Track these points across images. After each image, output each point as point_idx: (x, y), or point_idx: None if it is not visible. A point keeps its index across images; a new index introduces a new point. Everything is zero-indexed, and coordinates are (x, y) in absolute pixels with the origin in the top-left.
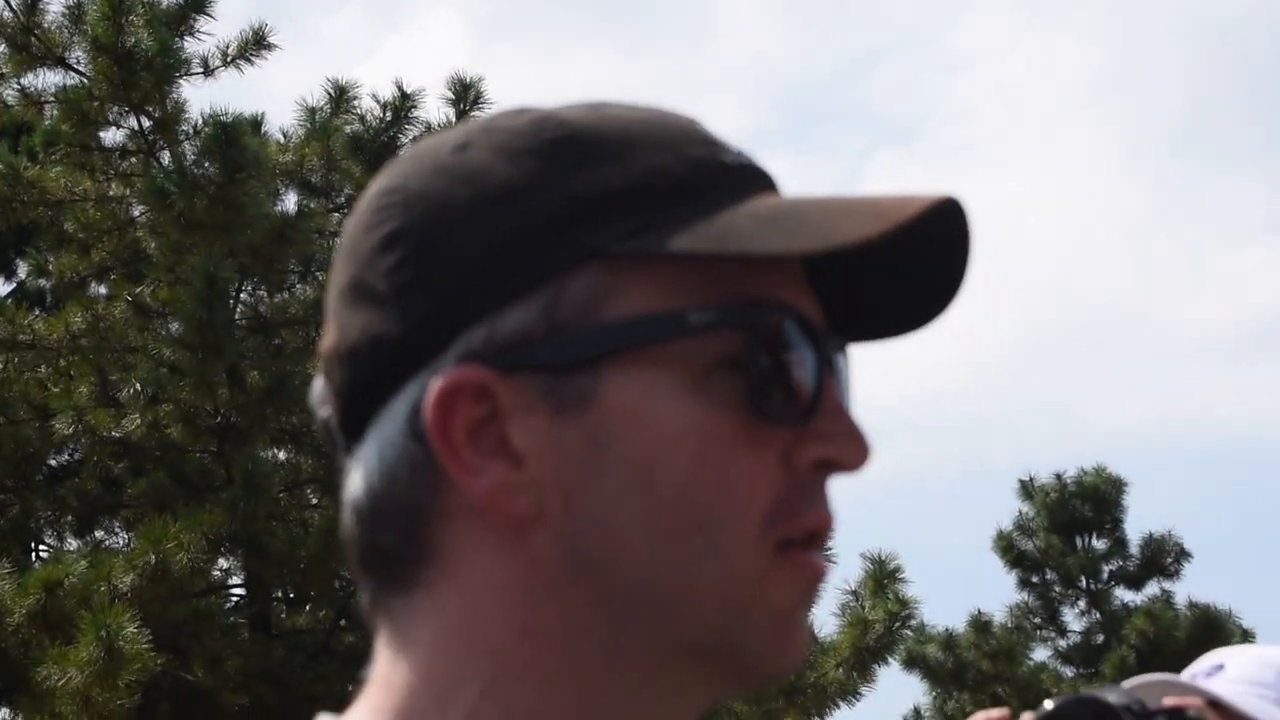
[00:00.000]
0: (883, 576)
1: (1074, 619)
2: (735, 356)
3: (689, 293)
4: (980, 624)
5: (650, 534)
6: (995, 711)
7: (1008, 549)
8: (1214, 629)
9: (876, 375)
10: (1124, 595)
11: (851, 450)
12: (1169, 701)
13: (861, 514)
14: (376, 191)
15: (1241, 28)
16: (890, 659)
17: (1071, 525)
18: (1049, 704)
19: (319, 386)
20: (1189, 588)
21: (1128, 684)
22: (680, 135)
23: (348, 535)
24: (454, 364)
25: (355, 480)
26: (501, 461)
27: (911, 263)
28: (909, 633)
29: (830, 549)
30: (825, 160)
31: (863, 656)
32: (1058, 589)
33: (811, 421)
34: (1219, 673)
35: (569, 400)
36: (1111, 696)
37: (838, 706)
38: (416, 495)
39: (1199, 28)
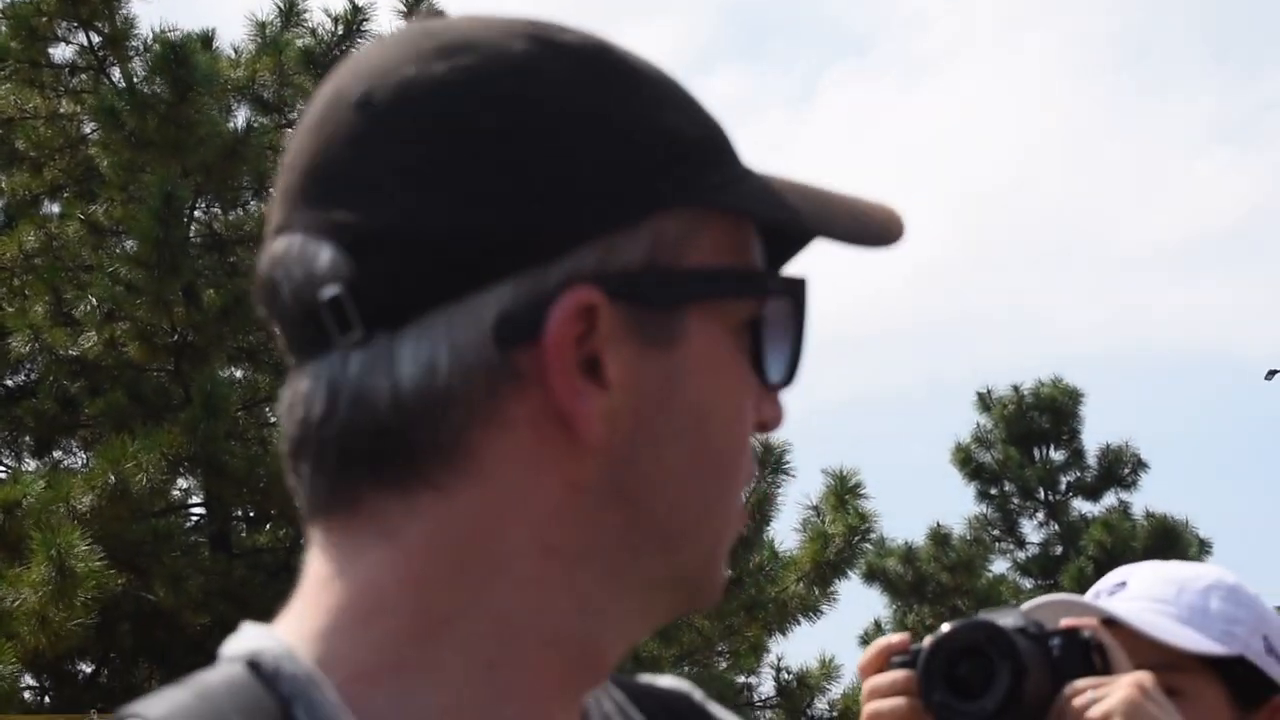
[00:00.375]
0: (843, 492)
1: (1032, 530)
2: (753, 319)
3: (735, 252)
4: (939, 537)
5: (689, 474)
6: (895, 636)
7: (966, 461)
8: (1171, 539)
9: (827, 285)
10: (1082, 506)
11: (778, 416)
12: (1065, 623)
13: (822, 429)
14: (456, 74)
15: None
16: (850, 573)
17: (1029, 437)
18: (945, 627)
19: (322, 258)
20: (1146, 498)
21: (1028, 605)
22: (686, 94)
23: (347, 414)
24: (566, 281)
25: (392, 366)
26: (598, 390)
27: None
28: (869, 546)
29: (770, 478)
30: (779, 75)
31: (823, 570)
32: (1016, 501)
33: (780, 385)
34: (1121, 590)
35: (659, 338)
36: (1006, 620)
37: (798, 622)
38: (475, 398)
39: None
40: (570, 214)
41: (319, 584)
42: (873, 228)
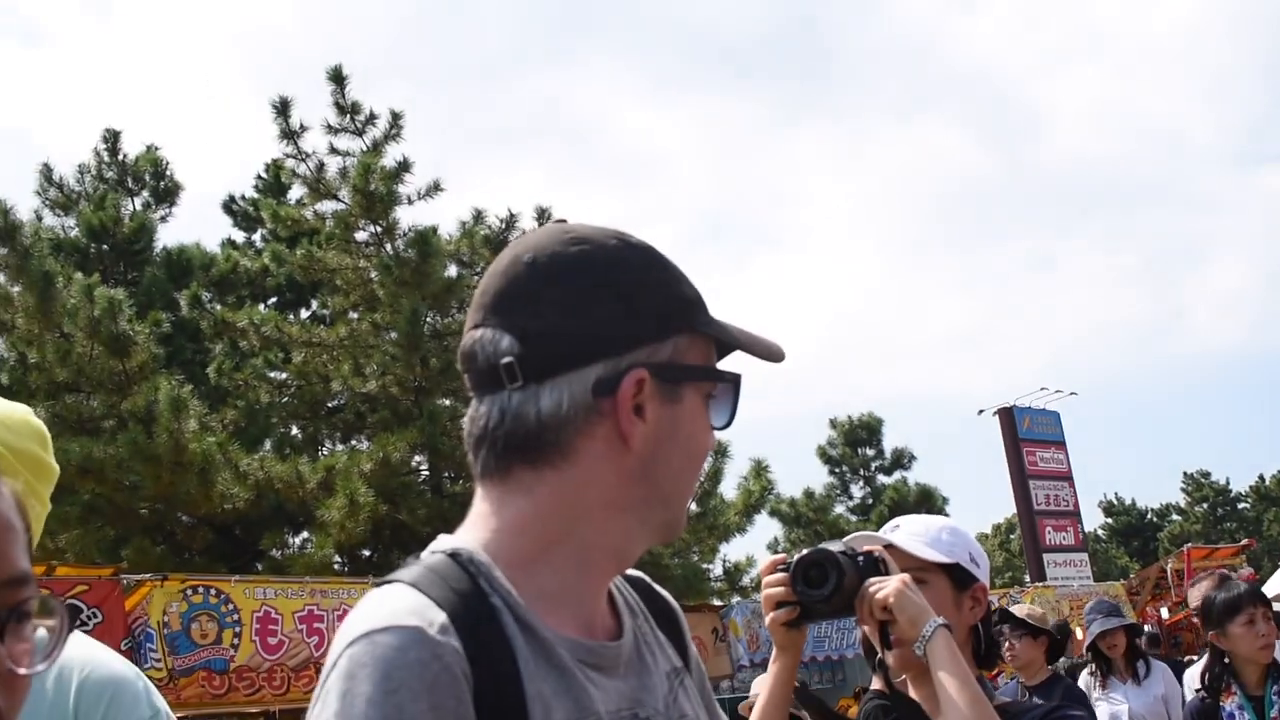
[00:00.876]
0: (760, 470)
1: (857, 491)
2: (712, 392)
3: (707, 357)
4: (809, 493)
5: (679, 469)
6: (778, 556)
7: (823, 454)
8: (928, 497)
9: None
10: (882, 479)
11: (715, 442)
12: (865, 547)
13: (747, 436)
14: (573, 250)
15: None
16: (762, 511)
17: (856, 442)
18: (804, 551)
19: (504, 341)
20: (915, 475)
21: (848, 538)
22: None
23: (510, 425)
24: (630, 366)
25: (543, 400)
26: (642, 423)
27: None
28: (772, 498)
29: (722, 461)
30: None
31: (748, 510)
32: (848, 475)
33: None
34: (897, 530)
35: (672, 398)
36: (834, 547)
37: (735, 536)
38: (577, 419)
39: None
40: (636, 332)
41: (482, 517)
42: (773, 350)
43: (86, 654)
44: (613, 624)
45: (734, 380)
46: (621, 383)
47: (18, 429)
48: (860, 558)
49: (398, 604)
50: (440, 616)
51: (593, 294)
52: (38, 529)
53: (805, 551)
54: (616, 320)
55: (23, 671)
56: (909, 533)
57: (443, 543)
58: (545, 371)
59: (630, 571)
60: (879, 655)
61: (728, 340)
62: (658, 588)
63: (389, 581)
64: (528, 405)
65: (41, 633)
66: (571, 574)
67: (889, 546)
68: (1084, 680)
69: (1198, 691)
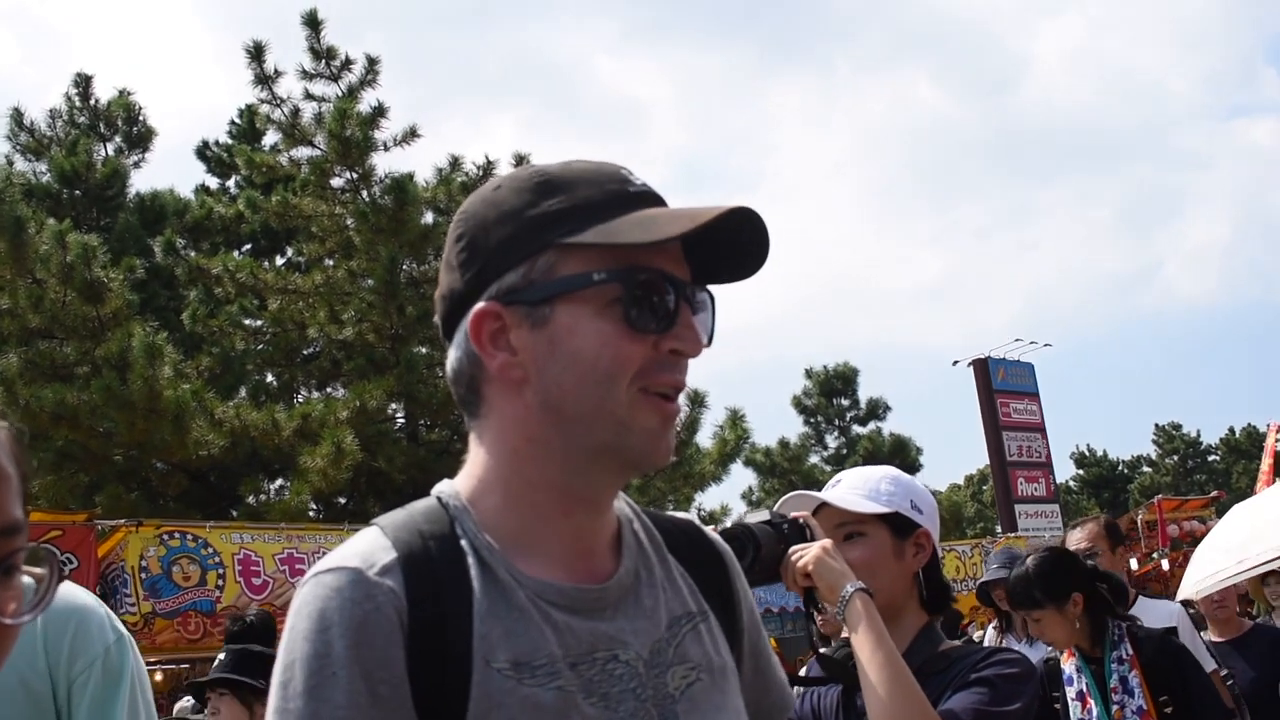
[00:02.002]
0: (736, 419)
1: (831, 441)
2: (619, 296)
3: (598, 262)
4: (784, 443)
5: (579, 389)
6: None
7: (798, 404)
8: (902, 448)
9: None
10: (857, 429)
11: (691, 345)
12: (792, 514)
13: (724, 385)
14: (458, 213)
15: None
16: (737, 460)
17: (831, 392)
18: (725, 524)
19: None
20: (890, 426)
21: (781, 501)
22: (606, 176)
23: (451, 383)
24: (483, 301)
25: (449, 360)
26: (506, 352)
27: (734, 241)
28: (747, 447)
29: (698, 411)
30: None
31: (723, 459)
32: (823, 425)
33: (672, 329)
34: (838, 484)
35: (538, 320)
36: (756, 517)
37: (710, 485)
38: (473, 369)
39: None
40: (484, 269)
41: (466, 463)
42: (652, 230)
43: None
44: (612, 566)
45: (623, 279)
46: (467, 325)
47: None
48: (785, 525)
49: (351, 547)
50: (386, 558)
51: (454, 248)
52: None
53: (726, 525)
54: (467, 265)
55: (9, 622)
56: (847, 486)
57: (439, 485)
58: (448, 331)
59: (681, 516)
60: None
61: (589, 240)
62: (710, 535)
63: (372, 523)
64: (451, 364)
65: (28, 580)
66: (529, 514)
67: (824, 505)
68: (989, 635)
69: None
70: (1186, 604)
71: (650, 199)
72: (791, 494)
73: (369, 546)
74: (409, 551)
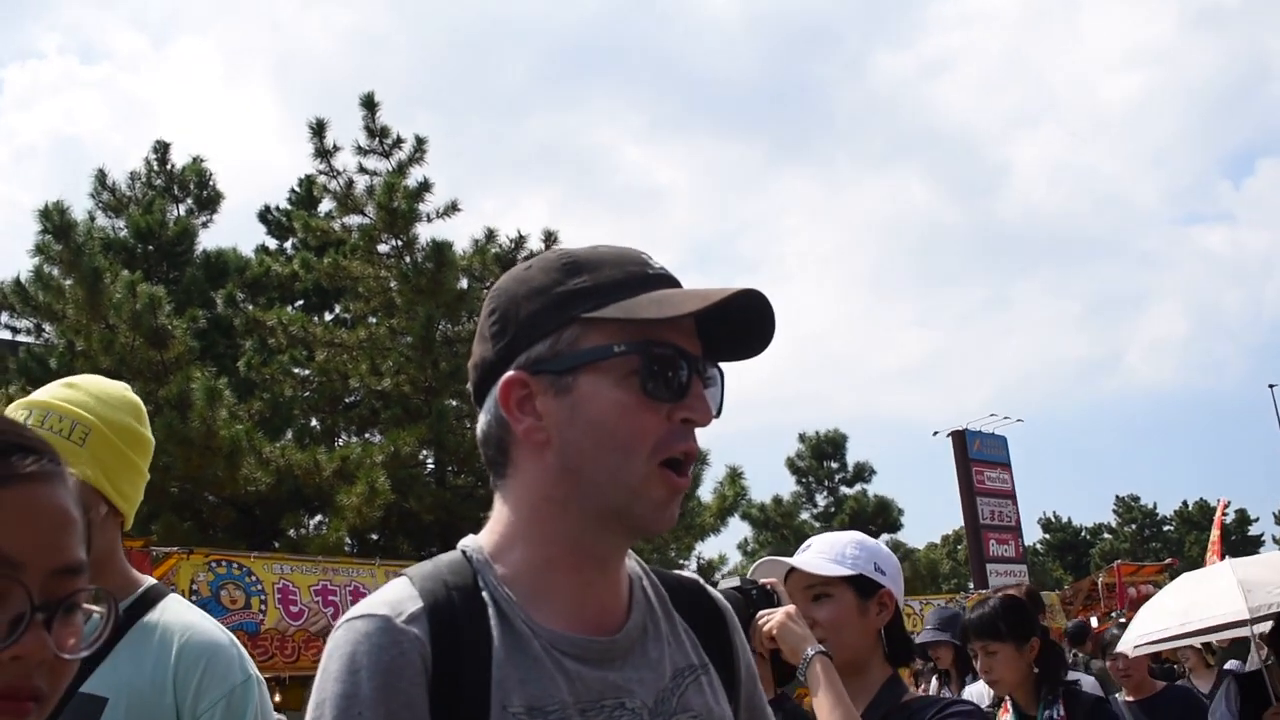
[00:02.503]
0: (734, 477)
1: (821, 500)
2: (636, 367)
3: (618, 336)
4: (777, 500)
5: (596, 455)
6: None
7: (792, 465)
8: (885, 509)
9: (745, 376)
10: (845, 490)
11: (702, 414)
12: (761, 580)
13: (722, 446)
14: (492, 290)
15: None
16: (735, 514)
17: (821, 455)
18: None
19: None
20: (875, 487)
21: (755, 565)
22: (627, 259)
23: (480, 444)
24: (512, 369)
25: (479, 423)
26: (532, 417)
27: (742, 321)
28: (744, 502)
29: (701, 467)
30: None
31: (722, 513)
32: (814, 485)
33: (683, 400)
34: (807, 549)
35: (562, 388)
36: (729, 584)
37: (710, 536)
38: (501, 432)
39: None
40: (514, 341)
41: (491, 519)
42: (667, 308)
43: (187, 620)
44: (621, 619)
45: (642, 352)
46: (496, 391)
47: (114, 403)
48: (755, 590)
49: (382, 595)
50: (413, 607)
51: (487, 321)
52: (137, 497)
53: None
54: (498, 336)
55: (67, 657)
56: (816, 551)
57: (464, 540)
58: (479, 397)
59: (686, 575)
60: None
61: (612, 315)
62: (711, 592)
63: (402, 574)
64: (481, 427)
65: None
66: (545, 569)
67: (794, 569)
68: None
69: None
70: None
71: (667, 280)
72: (765, 559)
73: (398, 595)
74: (434, 601)
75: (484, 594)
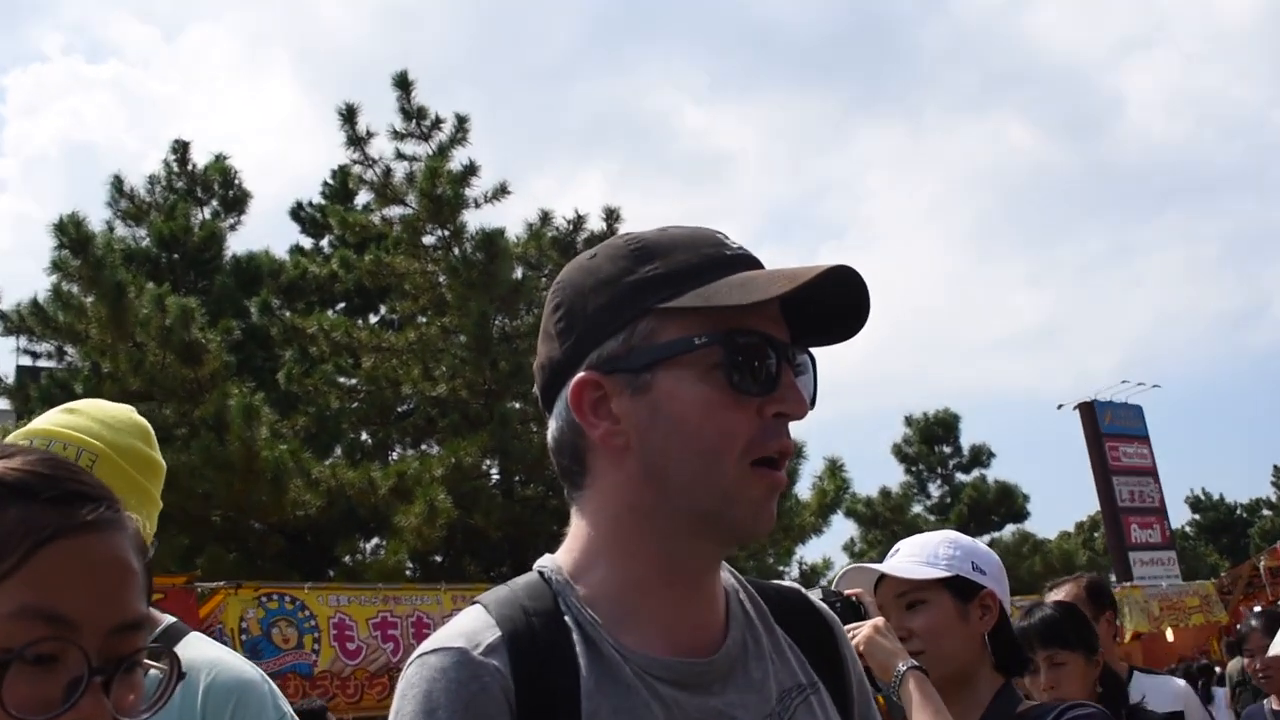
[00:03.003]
0: (834, 469)
1: (934, 490)
2: (720, 360)
3: (698, 327)
4: (885, 493)
5: (682, 457)
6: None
7: (899, 452)
8: (1008, 495)
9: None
10: (960, 476)
11: (795, 407)
12: (848, 591)
13: (823, 434)
14: (555, 283)
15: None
16: (838, 511)
17: (931, 439)
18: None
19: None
20: (994, 473)
21: (838, 572)
22: (702, 240)
23: (553, 455)
24: (583, 370)
25: (550, 430)
26: (608, 420)
27: (834, 301)
28: (847, 497)
29: (797, 461)
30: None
31: (823, 510)
32: (925, 474)
33: (774, 392)
34: (896, 553)
35: (639, 387)
36: (813, 595)
37: (811, 538)
38: (576, 439)
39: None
40: (583, 337)
41: (568, 536)
42: (751, 292)
43: (214, 656)
44: (719, 638)
45: (723, 342)
46: (567, 394)
47: (120, 426)
48: (838, 603)
49: (456, 626)
50: (491, 637)
51: (552, 318)
52: (152, 526)
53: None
54: (565, 334)
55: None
56: (905, 554)
57: (541, 559)
58: (548, 401)
59: (786, 584)
60: None
61: (688, 304)
62: (818, 604)
63: (476, 601)
64: (552, 434)
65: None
66: (632, 586)
67: (884, 576)
68: None
69: None
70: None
71: (747, 262)
72: (850, 566)
73: (473, 625)
74: (513, 629)
75: (567, 618)
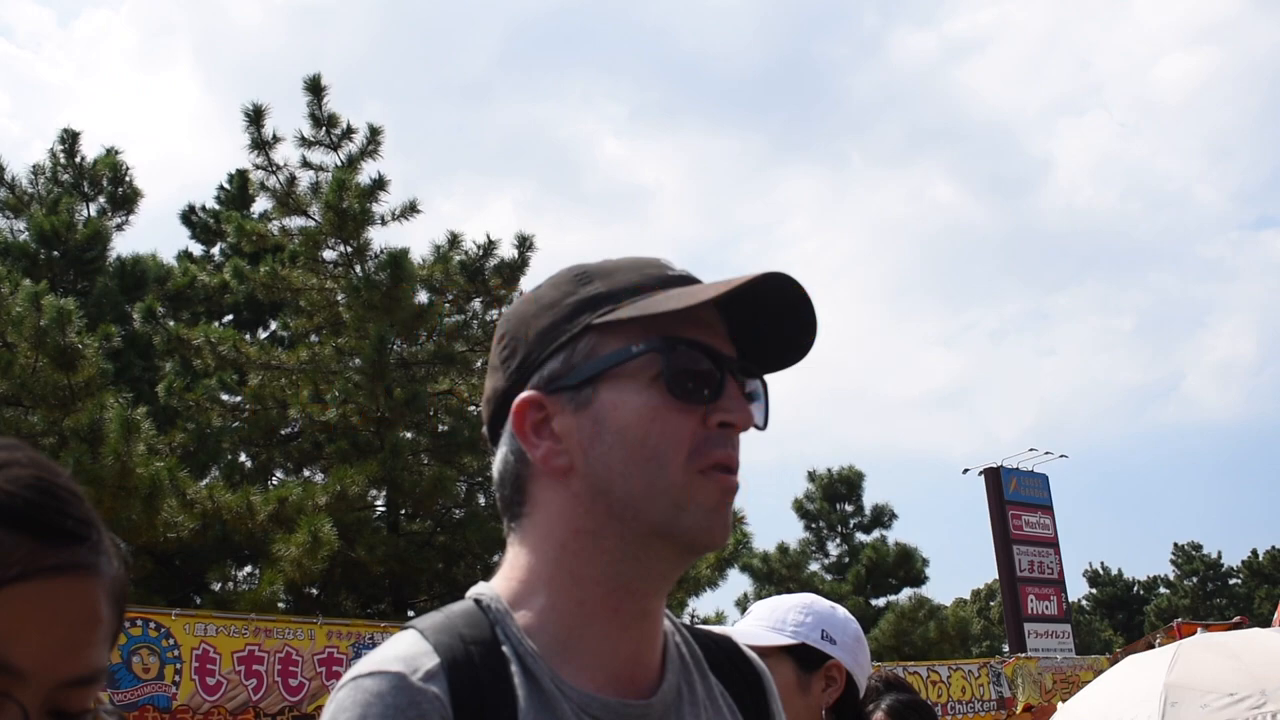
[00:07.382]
0: (733, 521)
1: (833, 549)
2: (661, 368)
3: (637, 337)
4: (783, 548)
5: (627, 468)
6: None
7: (800, 508)
8: (908, 557)
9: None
10: (860, 536)
11: (740, 416)
12: None
13: None
14: (500, 318)
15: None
16: (734, 565)
17: (834, 497)
18: None
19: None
20: (895, 534)
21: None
22: (646, 263)
23: (496, 486)
24: (524, 392)
25: (495, 463)
26: (550, 440)
27: (775, 317)
28: (745, 551)
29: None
30: None
31: (720, 562)
32: (825, 531)
33: (717, 400)
34: (748, 616)
35: (581, 403)
36: None
37: (706, 591)
38: (519, 466)
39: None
40: (525, 362)
41: (504, 564)
42: (686, 299)
43: None
44: (655, 679)
45: (661, 349)
46: (510, 421)
47: None
48: None
49: (391, 649)
50: (430, 663)
51: (497, 350)
52: None
53: None
54: (508, 361)
55: None
56: (755, 618)
57: (476, 587)
58: (493, 435)
59: (720, 630)
60: None
61: (628, 316)
62: (747, 652)
63: (408, 626)
64: (496, 467)
65: None
66: (575, 616)
67: None
68: None
69: None
70: None
71: (690, 281)
72: (702, 629)
73: (410, 650)
74: (453, 657)
75: (504, 648)
